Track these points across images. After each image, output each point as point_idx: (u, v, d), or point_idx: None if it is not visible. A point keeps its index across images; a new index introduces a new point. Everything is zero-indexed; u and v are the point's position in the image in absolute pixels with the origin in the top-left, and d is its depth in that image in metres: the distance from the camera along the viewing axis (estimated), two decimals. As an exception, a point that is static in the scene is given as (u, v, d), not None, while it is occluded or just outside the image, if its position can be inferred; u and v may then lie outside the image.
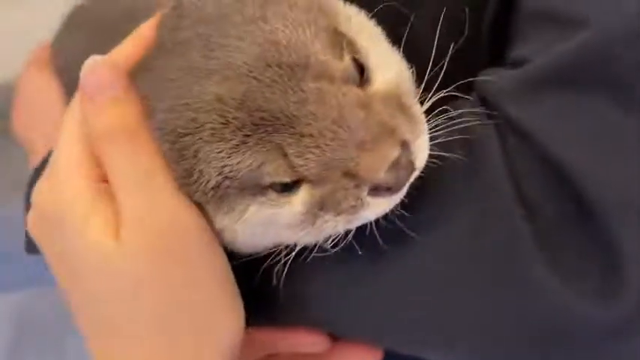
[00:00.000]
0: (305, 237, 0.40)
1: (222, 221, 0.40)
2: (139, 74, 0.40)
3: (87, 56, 0.41)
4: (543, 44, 0.42)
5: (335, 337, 0.49)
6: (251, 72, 0.35)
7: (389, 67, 0.40)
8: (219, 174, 0.37)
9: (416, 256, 0.40)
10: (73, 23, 0.65)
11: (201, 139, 0.36)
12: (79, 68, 0.42)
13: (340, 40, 0.38)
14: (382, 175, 0.35)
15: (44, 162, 0.53)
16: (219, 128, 0.36)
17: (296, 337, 0.47)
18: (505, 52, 0.46)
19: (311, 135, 0.35)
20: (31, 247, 0.52)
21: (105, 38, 0.46)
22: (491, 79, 0.43)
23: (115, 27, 0.48)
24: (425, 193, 0.40)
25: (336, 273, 0.42)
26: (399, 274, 0.41)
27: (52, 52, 0.67)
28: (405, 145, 0.36)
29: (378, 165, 0.35)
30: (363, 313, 0.43)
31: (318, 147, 0.35)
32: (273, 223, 0.39)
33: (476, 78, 0.44)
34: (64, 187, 0.39)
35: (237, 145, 0.36)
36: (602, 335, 0.38)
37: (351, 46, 0.39)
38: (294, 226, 0.39)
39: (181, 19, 0.40)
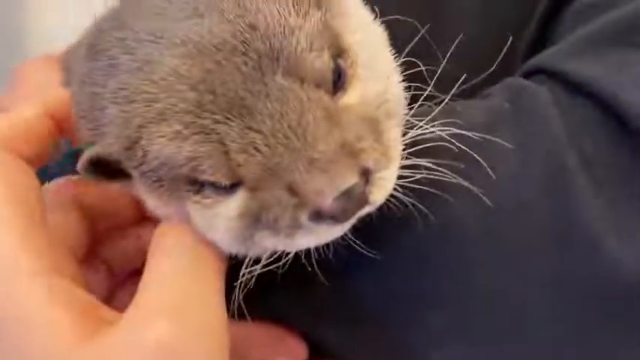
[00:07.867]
0: (250, 251, 0.35)
1: (166, 207, 0.37)
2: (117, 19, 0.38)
3: None
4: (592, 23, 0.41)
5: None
6: (217, 53, 0.32)
7: (376, 80, 0.37)
8: (157, 158, 0.33)
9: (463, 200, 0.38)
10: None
11: (147, 113, 0.33)
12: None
13: (327, 35, 0.35)
14: (329, 202, 0.30)
15: None
16: (167, 108, 0.32)
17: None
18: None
19: (261, 132, 0.31)
20: None
21: None
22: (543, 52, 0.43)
23: None
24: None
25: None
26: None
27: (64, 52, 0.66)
28: (365, 174, 0.32)
29: (327, 189, 0.30)
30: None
31: (266, 146, 0.31)
32: (212, 227, 0.35)
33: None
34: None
35: (179, 131, 0.32)
36: None
37: (338, 44, 0.35)
38: (232, 236, 0.34)
39: None
